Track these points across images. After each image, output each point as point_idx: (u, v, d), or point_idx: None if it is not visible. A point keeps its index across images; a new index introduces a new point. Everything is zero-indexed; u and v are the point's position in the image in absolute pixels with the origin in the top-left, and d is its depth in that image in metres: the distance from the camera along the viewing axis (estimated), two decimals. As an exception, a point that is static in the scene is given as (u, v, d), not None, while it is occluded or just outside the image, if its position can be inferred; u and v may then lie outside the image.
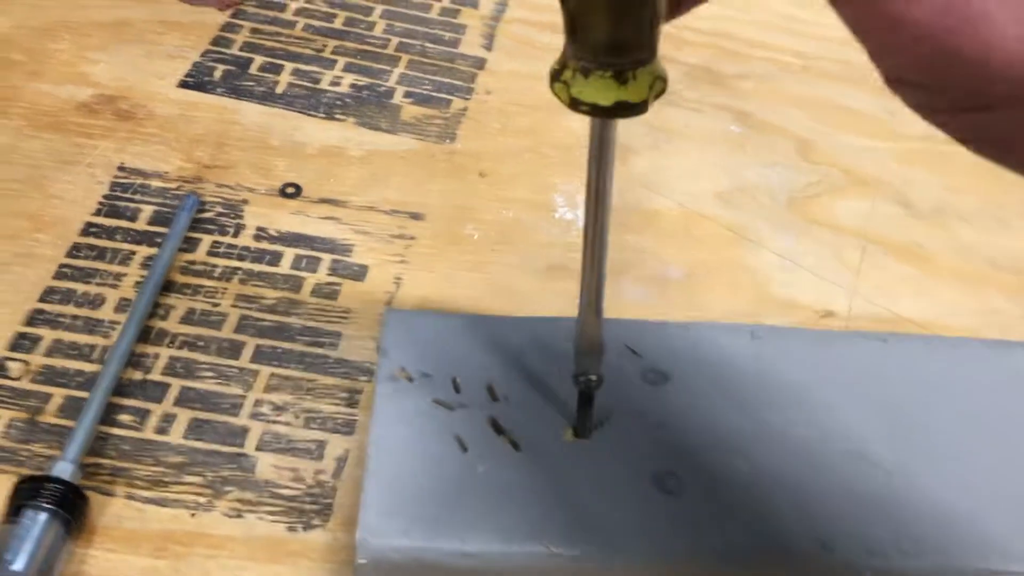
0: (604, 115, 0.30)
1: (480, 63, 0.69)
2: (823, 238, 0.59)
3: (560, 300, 0.55)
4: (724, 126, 0.65)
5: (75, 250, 0.55)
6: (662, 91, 0.31)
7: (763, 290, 0.56)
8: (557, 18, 0.30)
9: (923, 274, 0.57)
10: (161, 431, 0.48)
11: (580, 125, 0.66)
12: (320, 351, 0.52)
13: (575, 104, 0.30)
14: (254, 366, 0.51)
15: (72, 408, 0.48)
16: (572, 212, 0.59)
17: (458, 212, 0.59)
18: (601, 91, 0.30)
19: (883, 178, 0.62)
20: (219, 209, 0.58)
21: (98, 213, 0.57)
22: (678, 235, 0.59)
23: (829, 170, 0.62)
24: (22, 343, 0.51)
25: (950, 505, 0.41)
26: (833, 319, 0.55)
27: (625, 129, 0.67)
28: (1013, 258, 0.58)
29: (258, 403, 0.49)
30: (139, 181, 0.59)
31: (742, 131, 0.65)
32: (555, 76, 0.31)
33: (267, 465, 0.47)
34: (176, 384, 0.50)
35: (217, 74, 0.66)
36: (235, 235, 0.57)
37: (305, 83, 0.66)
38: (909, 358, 0.47)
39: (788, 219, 0.60)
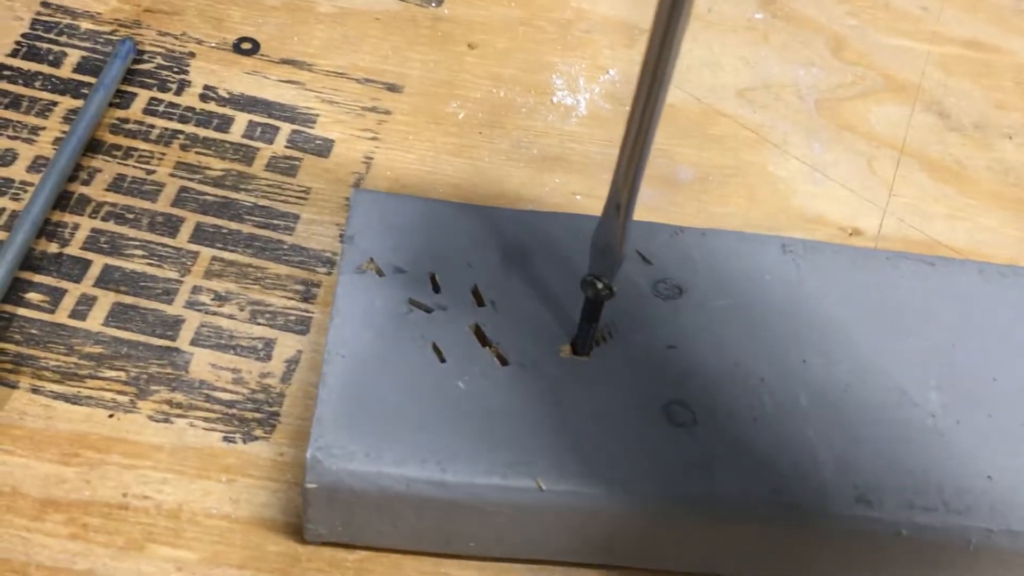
0: None
1: (474, -80, 0.60)
2: (854, 146, 0.52)
3: (555, 195, 0.48)
4: (747, 12, 0.57)
5: (-17, 95, 0.47)
6: None
7: (785, 200, 0.49)
8: None
9: (961, 195, 0.51)
10: (77, 315, 0.40)
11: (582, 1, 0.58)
12: (273, 235, 0.44)
13: None
14: (193, 247, 0.43)
15: (-31, 281, 0.40)
16: (572, 97, 0.52)
17: (441, 87, 0.51)
18: None
19: (922, 84, 0.55)
20: (160, 61, 0.49)
21: (14, 55, 0.48)
22: (693, 133, 0.51)
23: (864, 71, 0.55)
24: (-88, 200, 0.42)
25: (1005, 457, 0.36)
26: (861, 238, 0.48)
27: (636, 8, 0.59)
28: (1058, 185, 0.52)
29: (196, 290, 0.42)
30: (66, 21, 0.50)
31: (768, 20, 0.57)
32: None
33: (203, 363, 0.40)
34: (98, 261, 0.42)
35: (165, -96, 0.57)
36: (178, 93, 0.48)
37: (269, -76, 0.57)
38: (959, 286, 0.41)
39: (816, 123, 0.53)
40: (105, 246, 0.43)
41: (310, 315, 0.42)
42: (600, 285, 0.34)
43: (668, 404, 0.36)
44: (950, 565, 0.35)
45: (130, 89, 0.48)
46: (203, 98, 0.48)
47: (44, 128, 0.46)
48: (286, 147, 0.47)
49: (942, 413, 0.37)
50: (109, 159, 0.45)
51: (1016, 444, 0.36)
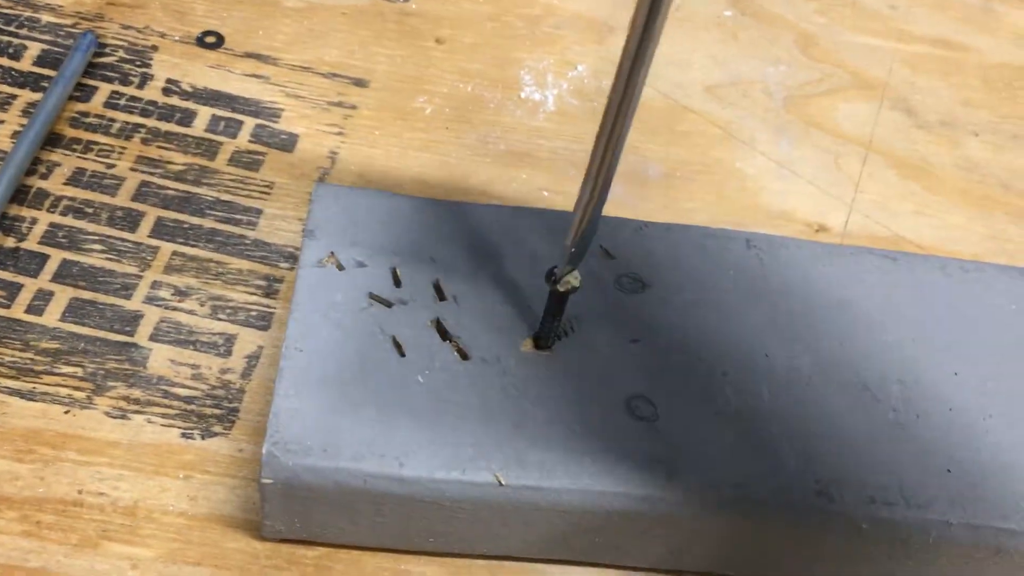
0: None
1: (443, -85, 0.60)
2: (821, 143, 0.52)
3: (522, 190, 0.47)
4: (716, 10, 0.57)
5: (-60, 87, 0.46)
6: None
7: (752, 197, 0.49)
8: None
9: (927, 192, 0.51)
10: (34, 310, 0.40)
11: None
12: (235, 230, 0.43)
13: None
14: (153, 242, 0.43)
15: (-78, 276, 0.40)
16: (540, 92, 0.51)
17: (408, 81, 0.51)
18: None
19: (889, 82, 0.55)
20: (122, 54, 0.49)
21: (-27, 47, 0.48)
22: (661, 129, 0.51)
23: (832, 69, 0.55)
24: None
25: (965, 451, 0.36)
26: (826, 235, 0.48)
27: (606, 4, 0.59)
28: (1024, 182, 0.52)
29: (156, 285, 0.41)
30: (27, 13, 0.49)
31: (737, 17, 0.57)
32: None
33: (162, 359, 0.39)
34: (56, 256, 0.41)
35: None
36: (140, 86, 0.48)
37: (236, -82, 0.56)
38: (921, 281, 0.41)
39: (784, 120, 0.53)
40: (63, 241, 0.42)
41: (272, 310, 0.41)
42: (571, 279, 0.34)
43: (630, 399, 0.36)
44: (911, 559, 0.35)
45: (91, 83, 0.47)
46: (166, 92, 0.48)
47: (2, 122, 0.45)
48: (250, 141, 0.47)
49: (903, 407, 0.37)
50: (69, 153, 0.45)
51: (976, 438, 0.36)
